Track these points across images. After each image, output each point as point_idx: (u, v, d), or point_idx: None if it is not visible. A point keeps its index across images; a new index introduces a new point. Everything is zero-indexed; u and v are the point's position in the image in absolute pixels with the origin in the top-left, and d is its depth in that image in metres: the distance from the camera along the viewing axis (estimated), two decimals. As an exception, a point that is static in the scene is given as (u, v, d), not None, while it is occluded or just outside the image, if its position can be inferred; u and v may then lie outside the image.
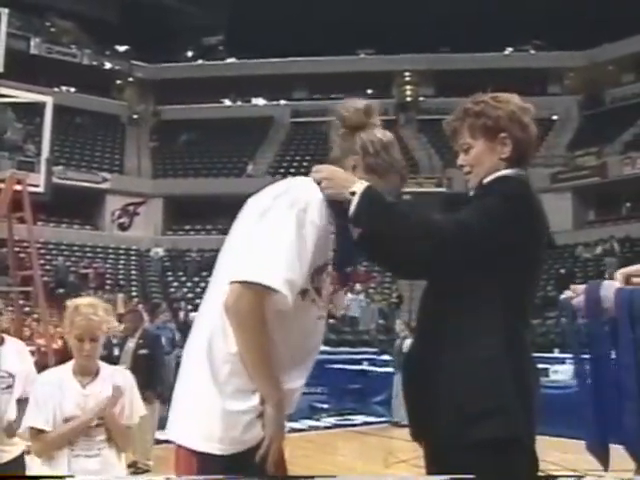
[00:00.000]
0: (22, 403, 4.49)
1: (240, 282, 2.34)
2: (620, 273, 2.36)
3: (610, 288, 2.31)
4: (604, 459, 2.36)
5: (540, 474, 2.58)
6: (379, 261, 2.94)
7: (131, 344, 9.33)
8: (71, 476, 3.49)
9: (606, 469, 2.38)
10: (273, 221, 2.38)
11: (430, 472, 2.54)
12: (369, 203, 2.45)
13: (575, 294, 2.40)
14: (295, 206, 2.39)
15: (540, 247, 2.59)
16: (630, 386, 2.21)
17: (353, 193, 2.47)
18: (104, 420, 3.68)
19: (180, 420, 2.61)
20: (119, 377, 3.85)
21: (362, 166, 2.61)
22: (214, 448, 2.42)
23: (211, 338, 2.46)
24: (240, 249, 2.42)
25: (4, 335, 4.69)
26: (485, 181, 2.63)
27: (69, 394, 3.69)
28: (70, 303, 3.77)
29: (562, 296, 2.47)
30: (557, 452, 8.38)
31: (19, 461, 4.52)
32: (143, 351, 9.24)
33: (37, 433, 3.66)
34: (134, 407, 3.84)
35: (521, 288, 2.53)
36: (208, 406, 2.45)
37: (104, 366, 3.84)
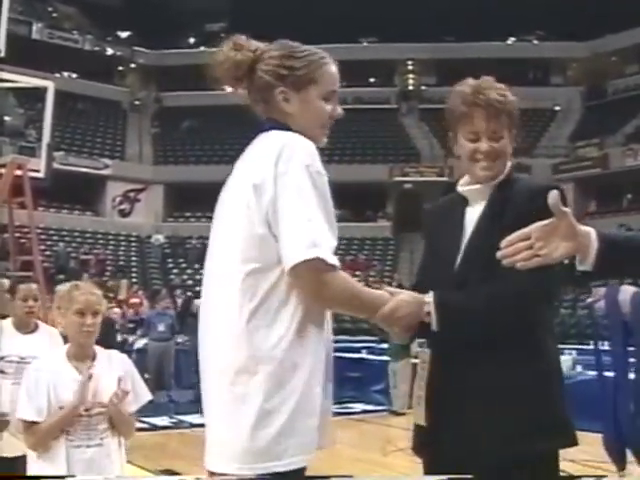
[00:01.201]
0: None
1: (296, 267, 2.17)
2: None
3: (627, 292, 2.33)
4: (620, 460, 2.39)
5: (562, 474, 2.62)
6: None
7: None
8: (72, 476, 3.41)
9: (622, 470, 2.41)
10: (293, 191, 2.22)
11: None
12: (447, 315, 2.42)
13: (596, 297, 2.43)
14: (303, 166, 2.24)
15: None
16: None
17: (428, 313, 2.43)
18: (106, 408, 3.52)
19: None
20: (116, 361, 3.69)
21: (290, 88, 2.39)
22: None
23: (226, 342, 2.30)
24: (264, 233, 2.23)
25: (38, 322, 4.72)
26: (501, 181, 2.59)
27: (65, 381, 3.53)
28: (63, 286, 3.72)
29: (588, 300, 2.52)
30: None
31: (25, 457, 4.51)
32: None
33: (30, 425, 3.49)
34: (137, 392, 3.69)
35: (555, 292, 2.66)
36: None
37: (100, 350, 3.68)
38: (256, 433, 2.21)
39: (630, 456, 2.40)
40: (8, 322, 4.71)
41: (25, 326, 4.64)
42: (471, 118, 2.54)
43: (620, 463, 2.43)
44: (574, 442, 2.47)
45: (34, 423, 3.47)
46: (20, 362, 4.46)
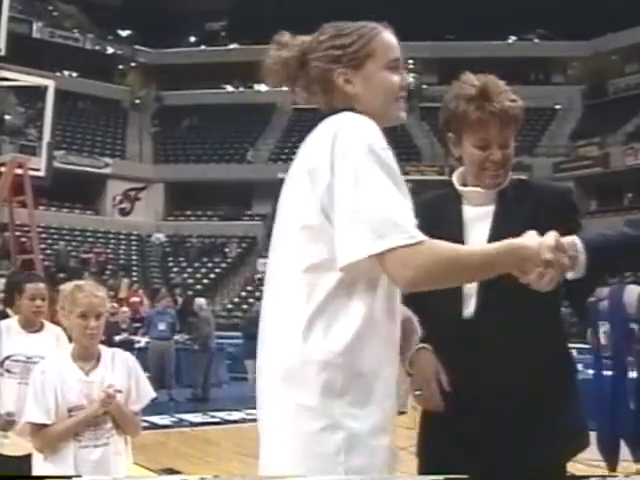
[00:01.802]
0: None
1: (382, 254, 1.90)
2: None
3: (632, 293, 2.32)
4: (613, 459, 2.40)
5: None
6: None
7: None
8: (78, 476, 3.39)
9: (613, 469, 2.42)
10: (352, 173, 1.96)
11: None
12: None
13: (599, 298, 2.41)
14: (364, 144, 2.01)
15: None
16: None
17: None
18: (110, 408, 3.51)
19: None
20: (120, 360, 3.66)
21: (349, 68, 2.19)
22: None
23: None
24: (339, 224, 1.96)
25: (44, 321, 4.66)
26: (507, 186, 2.53)
27: (72, 382, 3.50)
28: (66, 285, 3.67)
29: (590, 299, 2.50)
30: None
31: (30, 457, 4.50)
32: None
33: (38, 428, 3.47)
34: (141, 390, 3.67)
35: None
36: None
37: (104, 349, 3.66)
38: (312, 448, 1.97)
39: (624, 456, 2.40)
40: (14, 321, 4.67)
41: (31, 325, 4.60)
42: (484, 125, 2.43)
43: (612, 462, 2.44)
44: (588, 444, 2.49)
45: (43, 425, 3.44)
46: (27, 362, 4.43)
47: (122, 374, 3.61)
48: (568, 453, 2.42)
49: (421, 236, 1.91)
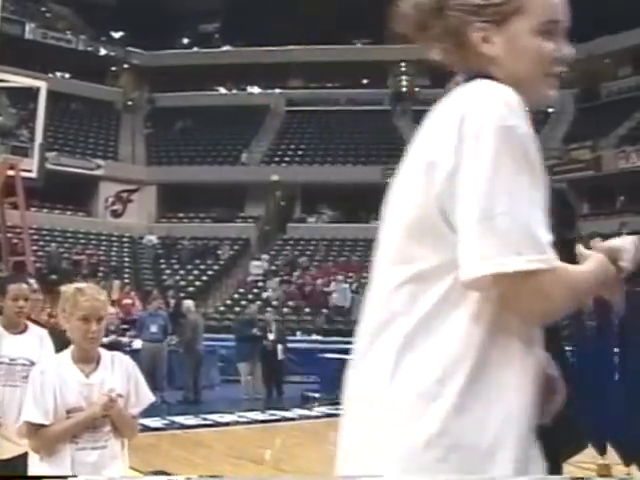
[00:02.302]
0: None
1: (473, 281, 1.52)
2: None
3: None
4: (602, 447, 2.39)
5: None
6: None
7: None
8: (74, 476, 3.40)
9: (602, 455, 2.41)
10: (481, 163, 1.52)
11: None
12: None
13: None
14: (498, 126, 1.54)
15: None
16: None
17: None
18: (111, 412, 3.50)
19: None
20: (119, 363, 3.65)
21: (490, 23, 1.73)
22: None
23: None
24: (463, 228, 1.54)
25: (27, 322, 4.62)
26: None
27: (71, 384, 3.48)
28: (67, 287, 3.63)
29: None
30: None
31: (26, 456, 4.48)
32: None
33: (36, 428, 3.45)
34: (140, 394, 3.66)
35: None
36: None
37: (103, 352, 3.66)
38: None
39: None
40: None
41: (15, 326, 4.55)
42: None
43: (602, 449, 2.44)
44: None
45: (41, 426, 3.42)
46: (10, 364, 4.41)
47: (122, 377, 3.60)
48: (564, 455, 2.41)
49: (556, 260, 1.53)
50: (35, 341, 4.52)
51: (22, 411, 3.51)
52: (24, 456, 4.35)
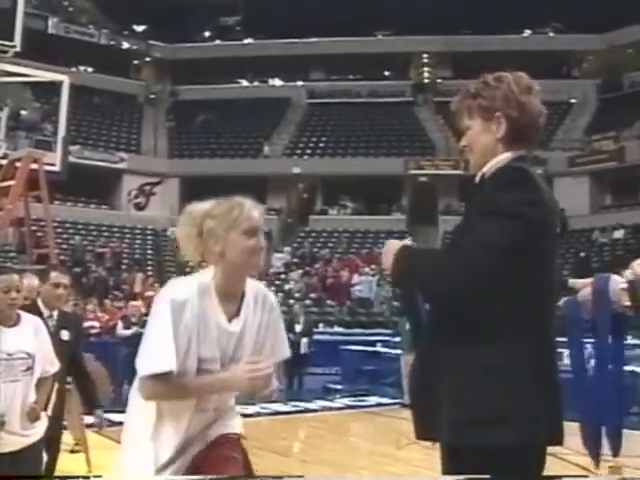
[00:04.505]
0: (42, 382, 4.50)
1: None
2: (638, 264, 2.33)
3: (617, 282, 2.29)
4: (595, 455, 2.38)
5: (548, 474, 2.58)
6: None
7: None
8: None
9: (596, 466, 2.41)
10: None
11: (444, 472, 2.53)
12: (398, 271, 2.55)
13: (580, 287, 2.38)
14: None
15: (552, 244, 2.54)
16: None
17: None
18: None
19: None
20: (262, 302, 3.06)
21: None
22: None
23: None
24: None
25: (20, 312, 4.46)
26: (486, 173, 2.61)
27: (210, 331, 2.90)
28: (222, 202, 2.96)
29: (570, 281, 2.45)
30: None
31: (37, 447, 4.44)
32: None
33: (163, 378, 2.84)
34: (277, 344, 3.13)
35: (541, 290, 2.52)
36: None
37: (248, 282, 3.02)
38: None
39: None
40: None
41: (7, 319, 4.37)
42: None
43: (597, 458, 2.43)
44: (526, 440, 2.40)
45: (166, 374, 2.81)
46: (9, 359, 4.28)
47: (263, 318, 3.06)
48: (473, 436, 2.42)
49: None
50: (30, 332, 4.41)
51: (142, 364, 2.86)
52: (35, 447, 4.39)
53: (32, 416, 4.28)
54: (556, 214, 2.55)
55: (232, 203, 2.92)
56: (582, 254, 27.24)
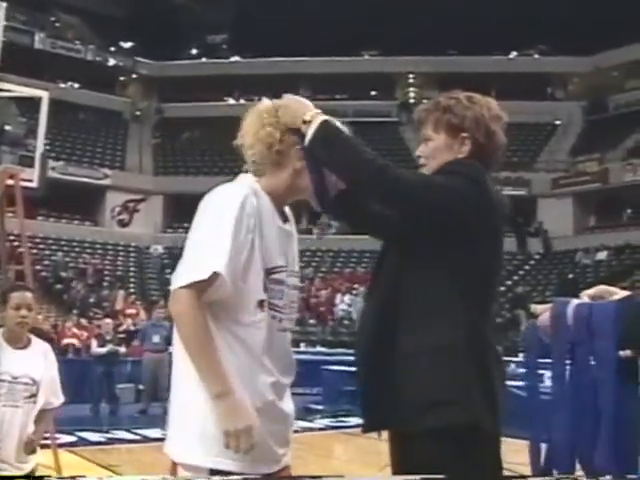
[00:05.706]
0: (43, 414, 4.29)
1: None
2: (586, 294, 2.31)
3: (571, 306, 2.27)
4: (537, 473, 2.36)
5: (513, 474, 2.65)
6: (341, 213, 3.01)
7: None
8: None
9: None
10: None
11: (392, 461, 2.64)
12: (324, 131, 2.59)
13: (540, 312, 2.34)
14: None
15: (493, 235, 2.55)
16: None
17: (305, 122, 2.62)
18: None
19: None
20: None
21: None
22: None
23: None
24: None
25: (31, 336, 4.29)
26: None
27: (271, 230, 2.63)
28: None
29: (532, 306, 2.41)
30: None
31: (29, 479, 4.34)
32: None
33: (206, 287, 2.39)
34: None
35: (478, 276, 2.49)
36: None
37: None
38: None
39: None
40: None
41: (17, 340, 4.21)
42: None
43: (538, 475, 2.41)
44: (469, 420, 2.40)
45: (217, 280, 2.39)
46: (12, 382, 4.12)
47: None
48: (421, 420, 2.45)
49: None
50: (39, 358, 4.25)
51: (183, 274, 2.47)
52: (28, 478, 4.26)
53: (29, 448, 4.13)
54: (505, 207, 2.57)
55: None
56: (570, 276, 27.30)
